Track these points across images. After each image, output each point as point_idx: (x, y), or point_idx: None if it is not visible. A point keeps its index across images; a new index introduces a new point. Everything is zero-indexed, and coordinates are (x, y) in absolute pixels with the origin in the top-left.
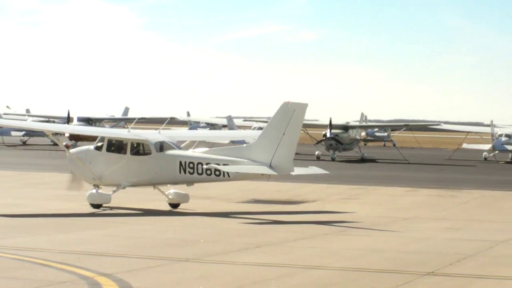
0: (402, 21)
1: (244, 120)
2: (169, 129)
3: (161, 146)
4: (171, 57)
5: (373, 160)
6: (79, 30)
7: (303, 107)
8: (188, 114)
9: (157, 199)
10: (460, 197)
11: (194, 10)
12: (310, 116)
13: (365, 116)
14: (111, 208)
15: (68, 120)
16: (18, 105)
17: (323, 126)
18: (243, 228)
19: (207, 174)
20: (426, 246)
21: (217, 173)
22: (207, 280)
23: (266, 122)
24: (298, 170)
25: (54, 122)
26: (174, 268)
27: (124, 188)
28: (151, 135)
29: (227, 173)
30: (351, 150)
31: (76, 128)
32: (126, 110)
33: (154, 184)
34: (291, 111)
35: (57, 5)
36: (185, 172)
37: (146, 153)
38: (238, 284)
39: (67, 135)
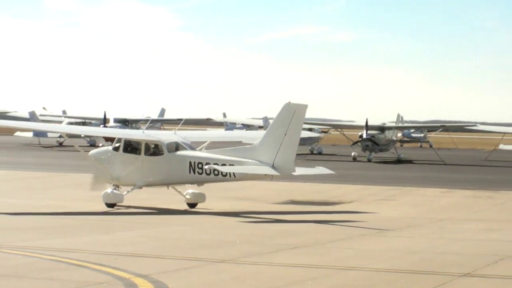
0: (438, 23)
1: None
2: (205, 129)
3: (173, 147)
4: (208, 58)
5: (409, 161)
6: (116, 31)
7: (303, 108)
8: (224, 115)
9: (176, 200)
10: (497, 198)
11: (231, 11)
12: (346, 117)
13: (401, 117)
14: (127, 207)
15: (105, 121)
16: (55, 106)
17: (359, 127)
18: (279, 229)
19: (215, 175)
20: (462, 247)
21: (224, 173)
22: (242, 281)
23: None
24: (303, 170)
25: (90, 123)
26: (210, 269)
27: (141, 188)
28: (164, 135)
29: (233, 173)
30: (388, 151)
31: (90, 129)
32: (162, 112)
33: (167, 184)
34: (292, 112)
35: (95, 7)
36: (194, 172)
37: (159, 153)
38: (274, 286)
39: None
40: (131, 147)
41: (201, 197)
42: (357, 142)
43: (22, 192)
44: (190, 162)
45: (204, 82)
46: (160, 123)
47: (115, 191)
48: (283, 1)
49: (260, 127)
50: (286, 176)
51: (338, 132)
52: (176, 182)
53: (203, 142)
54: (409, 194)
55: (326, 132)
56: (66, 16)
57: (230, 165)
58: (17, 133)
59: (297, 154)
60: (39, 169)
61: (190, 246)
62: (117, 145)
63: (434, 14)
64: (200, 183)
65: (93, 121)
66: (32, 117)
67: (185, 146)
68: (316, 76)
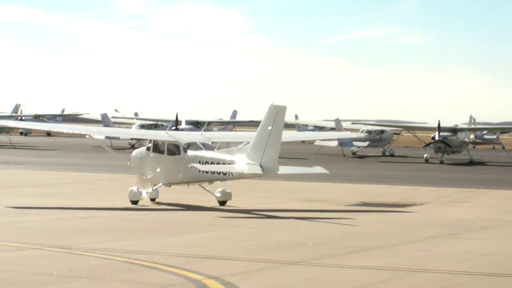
0: (510, 23)
1: (352, 123)
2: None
3: (189, 147)
4: (279, 60)
5: (482, 163)
6: (186, 34)
7: (283, 109)
8: (296, 117)
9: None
10: None
11: (301, 13)
12: (419, 119)
13: (474, 119)
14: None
15: (177, 123)
16: (127, 108)
17: (431, 129)
18: (351, 231)
19: (217, 174)
20: None
21: (224, 172)
22: (314, 283)
23: (373, 124)
24: (296, 169)
25: (162, 125)
26: (282, 271)
27: (169, 186)
28: (186, 136)
29: (231, 172)
30: (460, 153)
31: (122, 130)
32: (234, 113)
33: (186, 182)
34: (274, 113)
35: (165, 9)
36: (203, 171)
37: (177, 153)
38: None
39: None
40: (157, 147)
41: (230, 195)
42: (429, 144)
43: (93, 194)
44: (200, 162)
45: (275, 83)
46: (232, 125)
47: (139, 189)
48: (356, 3)
49: (332, 129)
50: (271, 175)
51: (410, 134)
52: (192, 181)
53: (233, 143)
54: (482, 196)
55: (398, 134)
56: (136, 18)
57: (222, 164)
58: (88, 136)
59: (370, 156)
60: (110, 171)
61: (261, 248)
62: (149, 145)
63: (506, 15)
64: (210, 182)
65: (164, 123)
66: (104, 119)
67: (201, 146)
68: (389, 78)
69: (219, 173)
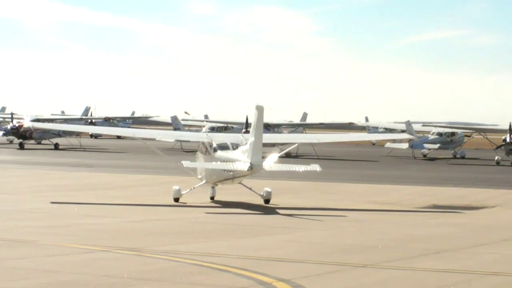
0: None
1: (423, 125)
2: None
3: (219, 148)
4: (348, 62)
5: None
6: (255, 36)
7: (261, 109)
8: (367, 119)
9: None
10: None
11: (371, 15)
12: (490, 121)
13: None
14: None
15: (246, 125)
16: (197, 111)
17: (503, 131)
18: (420, 234)
19: (227, 172)
20: None
21: (228, 170)
22: (385, 286)
23: (444, 127)
24: (286, 167)
25: (232, 128)
26: (352, 274)
27: (215, 184)
28: (221, 137)
29: (232, 171)
30: None
31: (162, 132)
32: (305, 116)
33: (219, 181)
34: (256, 113)
35: (235, 11)
36: (226, 171)
37: (209, 154)
38: None
39: None
40: (203, 148)
41: (271, 194)
42: (500, 146)
43: (162, 196)
44: (220, 161)
45: (345, 85)
46: (302, 127)
47: (179, 187)
48: (426, 4)
49: (403, 131)
50: (258, 172)
51: (482, 136)
52: (221, 179)
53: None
54: None
55: (469, 136)
56: (205, 21)
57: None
58: (157, 138)
59: (441, 158)
60: (180, 174)
61: (331, 250)
62: (199, 146)
63: None
64: (233, 180)
65: (234, 126)
66: (174, 121)
67: (230, 147)
68: (459, 79)
69: (224, 171)
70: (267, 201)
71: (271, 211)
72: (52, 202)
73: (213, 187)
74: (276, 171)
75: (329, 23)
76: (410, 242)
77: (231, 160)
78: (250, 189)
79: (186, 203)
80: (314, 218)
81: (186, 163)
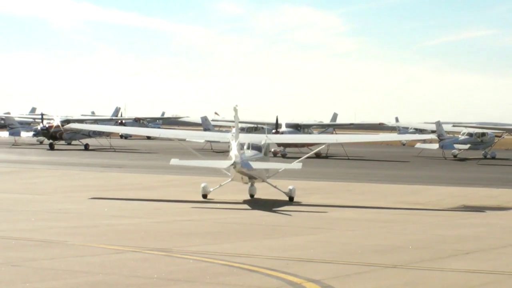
0: None
1: (453, 126)
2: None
3: (242, 147)
4: (378, 62)
5: None
6: (285, 36)
7: (236, 110)
8: (397, 120)
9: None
10: None
11: (401, 15)
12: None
13: None
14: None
15: (277, 126)
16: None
17: None
18: (450, 234)
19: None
20: None
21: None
22: (414, 287)
23: (475, 127)
24: (266, 165)
25: (262, 128)
26: (382, 275)
27: (247, 183)
28: (243, 138)
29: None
30: None
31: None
32: (335, 116)
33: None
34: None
35: (264, 11)
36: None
37: None
38: None
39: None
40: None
41: (295, 192)
42: None
43: (192, 197)
44: None
45: (376, 86)
46: (332, 127)
47: (207, 184)
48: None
49: (433, 132)
50: (239, 170)
51: None
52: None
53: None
54: None
55: (499, 137)
56: (234, 21)
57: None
58: (188, 139)
59: (471, 159)
60: (210, 174)
61: (361, 251)
62: None
63: None
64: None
65: (265, 126)
66: (204, 122)
67: (250, 146)
68: (488, 80)
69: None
70: (291, 198)
71: (300, 211)
72: (91, 198)
73: (252, 185)
74: (260, 168)
75: (359, 23)
76: (440, 242)
77: (230, 159)
78: (275, 187)
79: (213, 199)
80: (344, 218)
81: (174, 161)
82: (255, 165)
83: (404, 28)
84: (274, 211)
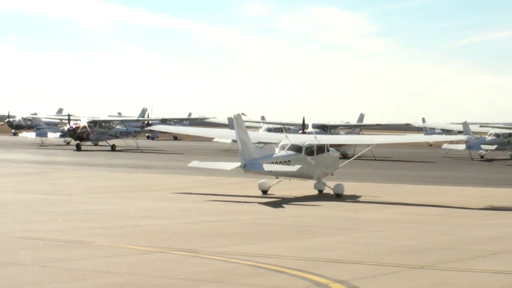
0: None
1: (480, 126)
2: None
3: (284, 147)
4: (405, 62)
5: None
6: (312, 37)
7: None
8: (424, 121)
9: None
10: None
11: (428, 16)
12: None
13: None
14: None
15: (303, 127)
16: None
17: None
18: (477, 235)
19: None
20: None
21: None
22: (441, 287)
23: (502, 127)
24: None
25: (289, 129)
26: (409, 275)
27: (308, 179)
28: (296, 138)
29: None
30: None
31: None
32: (361, 117)
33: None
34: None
35: (291, 12)
36: None
37: None
38: None
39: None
40: None
41: (342, 189)
42: None
43: (219, 197)
44: None
45: (402, 86)
46: (358, 128)
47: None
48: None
49: (460, 132)
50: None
51: None
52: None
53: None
54: None
55: None
56: (261, 22)
57: None
58: (216, 139)
59: (498, 159)
60: (238, 175)
61: (388, 251)
62: None
63: None
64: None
65: (291, 127)
66: (231, 123)
67: (289, 148)
68: None
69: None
70: (338, 195)
71: (327, 212)
72: (172, 193)
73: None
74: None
75: (386, 23)
76: (467, 243)
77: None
78: (324, 184)
79: (274, 194)
80: (371, 219)
81: (193, 163)
82: (268, 167)
83: (431, 29)
84: (301, 212)
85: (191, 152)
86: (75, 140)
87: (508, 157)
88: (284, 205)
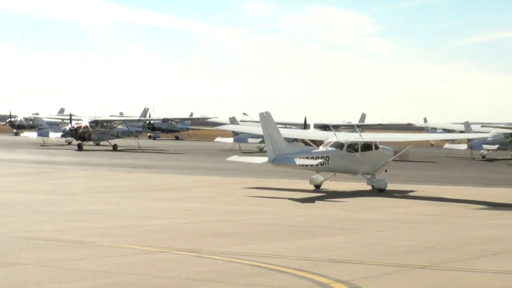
0: None
1: (482, 126)
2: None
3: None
4: (407, 63)
5: None
6: (313, 37)
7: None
8: (425, 120)
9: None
10: None
11: (430, 16)
12: None
13: None
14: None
15: (305, 126)
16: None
17: None
18: (479, 235)
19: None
20: None
21: None
22: (443, 287)
23: (504, 127)
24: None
25: (291, 128)
26: (410, 275)
27: (352, 174)
28: (320, 134)
29: None
30: None
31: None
32: (363, 117)
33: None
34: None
35: (292, 12)
36: None
37: None
38: None
39: None
40: None
41: (384, 184)
42: None
43: (221, 197)
44: None
45: (403, 86)
46: (360, 128)
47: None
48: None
49: (462, 132)
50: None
51: None
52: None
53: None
54: None
55: None
56: (263, 22)
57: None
58: (218, 139)
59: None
60: (240, 175)
61: (389, 251)
62: None
63: None
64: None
65: (293, 127)
66: (233, 122)
67: (333, 144)
68: None
69: None
70: (380, 190)
71: (328, 212)
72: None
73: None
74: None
75: (388, 23)
76: (469, 243)
77: None
78: (369, 179)
79: (328, 189)
80: (372, 219)
81: (232, 158)
82: (301, 161)
83: (432, 29)
84: (303, 212)
85: (193, 152)
86: (77, 140)
87: (510, 157)
88: (285, 205)
